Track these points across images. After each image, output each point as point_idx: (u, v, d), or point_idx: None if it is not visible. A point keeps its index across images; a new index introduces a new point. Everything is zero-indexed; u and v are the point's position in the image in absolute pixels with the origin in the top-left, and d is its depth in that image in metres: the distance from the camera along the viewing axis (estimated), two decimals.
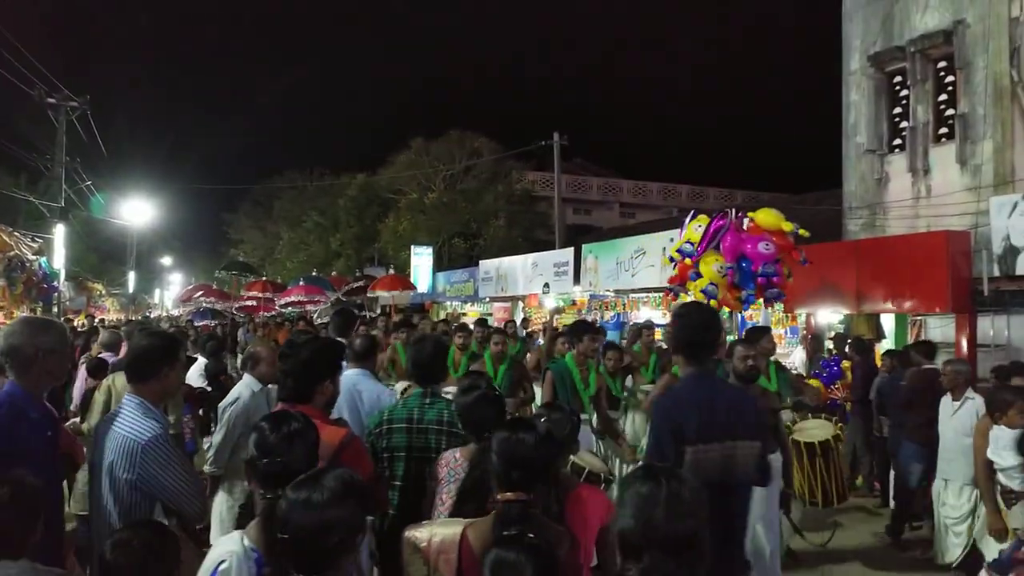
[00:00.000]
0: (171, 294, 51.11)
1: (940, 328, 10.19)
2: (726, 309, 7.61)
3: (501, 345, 7.45)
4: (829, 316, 11.13)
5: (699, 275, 7.43)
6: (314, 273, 25.98)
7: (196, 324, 20.32)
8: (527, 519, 2.08)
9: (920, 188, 11.16)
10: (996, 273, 9.07)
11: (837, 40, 12.62)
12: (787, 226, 7.48)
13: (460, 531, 2.18)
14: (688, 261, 7.58)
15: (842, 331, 10.35)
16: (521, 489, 2.11)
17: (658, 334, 9.49)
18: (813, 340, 10.79)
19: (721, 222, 7.53)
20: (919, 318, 10.30)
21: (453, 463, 2.87)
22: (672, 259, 8.02)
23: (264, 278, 25.80)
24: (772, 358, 6.17)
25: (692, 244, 7.56)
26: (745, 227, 7.59)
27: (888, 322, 10.47)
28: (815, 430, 5.99)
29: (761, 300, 7.54)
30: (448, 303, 24.75)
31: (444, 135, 27.50)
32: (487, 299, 21.60)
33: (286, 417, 2.25)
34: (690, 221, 7.88)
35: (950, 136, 10.92)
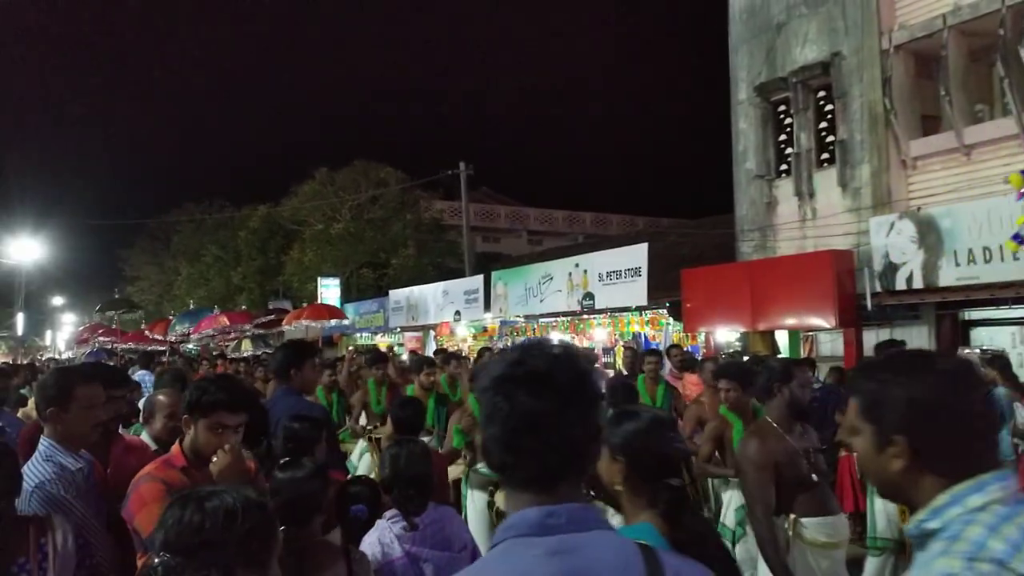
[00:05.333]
0: (63, 335, 48.30)
1: (830, 342, 10.70)
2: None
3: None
4: (727, 335, 11.51)
5: None
6: (190, 307, 24.56)
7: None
8: None
9: (806, 210, 11.74)
10: (878, 289, 9.60)
11: (726, 71, 13.23)
12: None
13: None
14: None
15: (739, 348, 10.71)
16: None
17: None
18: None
19: None
20: (811, 334, 10.78)
21: None
22: None
23: (171, 315, 24.66)
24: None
25: None
26: None
27: (782, 338, 10.91)
28: None
29: None
30: (358, 335, 24.27)
31: (349, 165, 27.17)
32: (398, 329, 21.31)
33: None
34: None
35: (831, 161, 11.54)
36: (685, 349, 9.94)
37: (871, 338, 10.07)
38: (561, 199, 43.33)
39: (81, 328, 29.59)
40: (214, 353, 20.31)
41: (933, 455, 1.37)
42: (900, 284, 9.40)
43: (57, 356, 39.05)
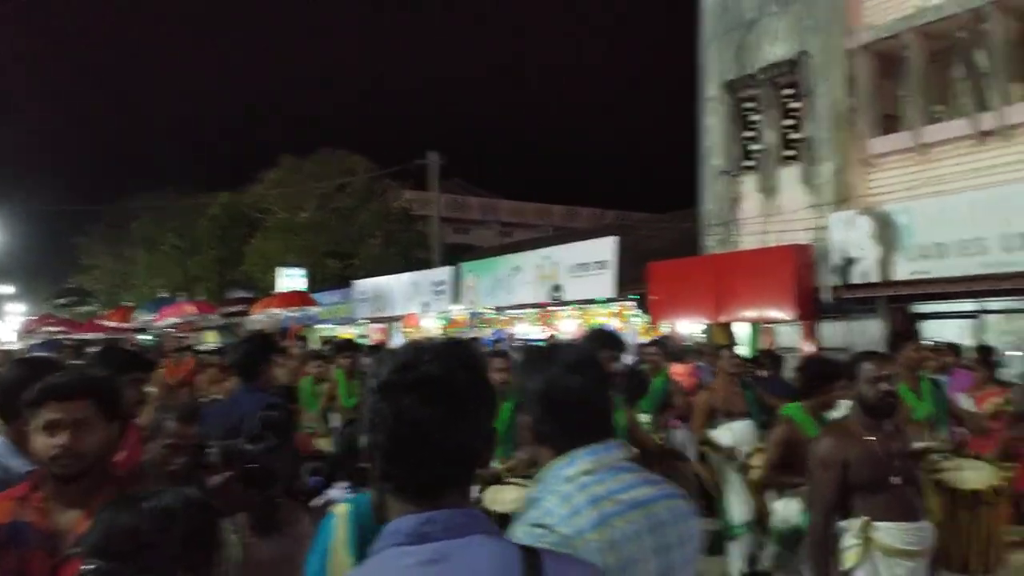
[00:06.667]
0: (11, 326, 47.04)
1: (789, 334, 10.95)
2: None
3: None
4: (691, 326, 11.72)
5: None
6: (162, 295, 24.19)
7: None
8: None
9: (769, 206, 11.96)
10: (836, 282, 9.86)
11: (695, 68, 13.39)
12: None
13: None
14: None
15: (703, 340, 10.92)
16: None
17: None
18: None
19: None
20: (770, 325, 11.03)
21: None
22: None
23: (128, 303, 24.20)
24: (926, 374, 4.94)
25: None
26: None
27: (742, 329, 11.14)
28: (972, 473, 4.23)
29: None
30: (320, 326, 24.09)
31: (316, 153, 26.90)
32: (363, 320, 21.24)
33: None
34: None
35: (795, 158, 11.79)
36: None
37: (828, 330, 10.36)
38: (530, 192, 43.55)
39: (30, 319, 28.74)
40: (172, 345, 19.92)
41: (543, 432, 1.66)
42: (856, 278, 9.66)
43: (8, 348, 37.92)
